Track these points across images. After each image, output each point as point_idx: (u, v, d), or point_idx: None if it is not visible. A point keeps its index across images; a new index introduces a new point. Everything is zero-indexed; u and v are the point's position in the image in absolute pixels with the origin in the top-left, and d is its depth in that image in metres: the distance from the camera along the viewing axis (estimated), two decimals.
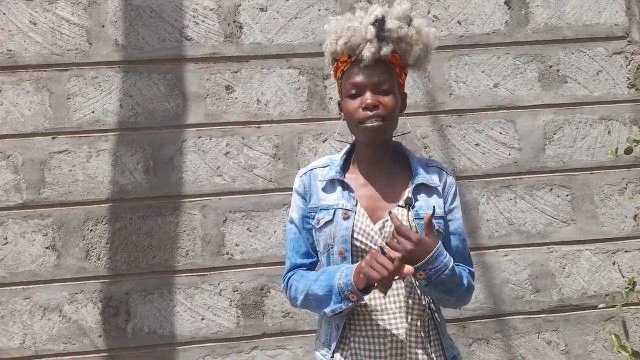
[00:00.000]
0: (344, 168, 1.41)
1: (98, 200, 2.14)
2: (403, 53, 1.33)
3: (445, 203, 1.40)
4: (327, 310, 1.29)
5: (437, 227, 1.33)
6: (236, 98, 2.22)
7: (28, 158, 2.13)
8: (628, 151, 2.09)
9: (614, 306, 2.12)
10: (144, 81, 2.19)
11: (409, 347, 1.26)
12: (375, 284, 1.19)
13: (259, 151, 2.21)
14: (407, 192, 1.35)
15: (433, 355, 1.29)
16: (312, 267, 1.40)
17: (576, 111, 2.31)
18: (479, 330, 2.21)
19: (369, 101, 1.29)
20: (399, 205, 1.32)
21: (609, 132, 2.31)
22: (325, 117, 2.23)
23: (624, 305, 2.13)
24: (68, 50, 2.17)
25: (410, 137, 2.22)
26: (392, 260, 1.16)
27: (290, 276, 1.40)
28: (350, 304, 1.27)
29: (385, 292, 1.20)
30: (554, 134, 2.30)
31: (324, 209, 1.35)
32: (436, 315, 1.34)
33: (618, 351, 2.11)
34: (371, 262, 1.18)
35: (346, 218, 1.32)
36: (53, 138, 2.15)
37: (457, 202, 1.42)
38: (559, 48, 2.32)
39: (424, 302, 1.30)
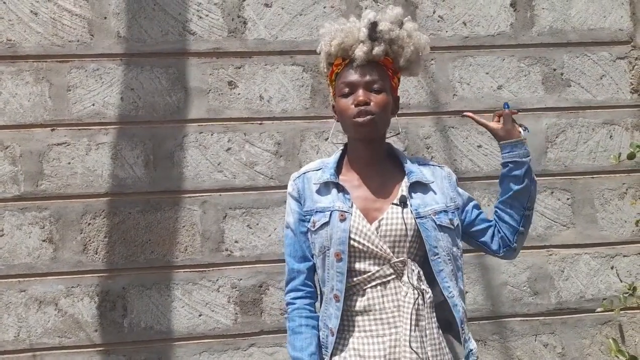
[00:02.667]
0: (337, 170, 1.42)
1: (97, 193, 2.12)
2: (395, 56, 1.39)
3: (455, 194, 1.44)
4: None
5: (439, 223, 1.35)
6: (239, 94, 2.20)
7: (26, 149, 2.10)
8: (631, 156, 2.09)
9: (611, 310, 2.13)
10: (146, 75, 2.17)
11: (406, 345, 1.26)
12: None
13: (260, 148, 2.20)
14: (401, 191, 1.36)
15: (429, 353, 1.28)
16: (310, 271, 1.40)
17: (579, 115, 2.31)
18: (477, 332, 2.21)
19: (360, 98, 1.33)
20: (393, 204, 1.33)
21: (611, 136, 2.31)
22: (328, 115, 2.21)
23: (621, 309, 2.14)
24: (69, 42, 2.14)
25: (412, 137, 2.22)
26: None
27: (293, 305, 1.38)
28: None
29: None
30: (556, 138, 2.30)
31: (320, 212, 1.36)
32: (453, 310, 1.34)
33: (616, 355, 2.12)
34: None
35: (343, 220, 1.33)
36: (52, 130, 2.12)
37: (460, 189, 1.48)
38: (564, 51, 2.32)
39: (422, 300, 1.30)
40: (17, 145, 2.10)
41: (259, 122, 2.20)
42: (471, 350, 1.37)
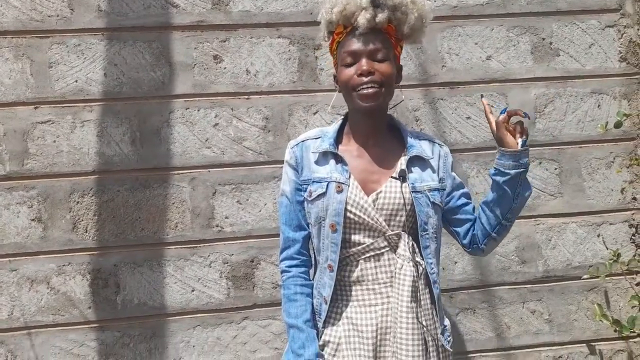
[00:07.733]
0: (337, 140, 1.40)
1: (84, 172, 2.10)
2: (398, 23, 1.34)
3: (446, 175, 1.43)
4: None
5: (432, 200, 1.35)
6: (225, 68, 2.17)
7: (10, 128, 2.07)
8: (618, 125, 2.10)
9: (597, 277, 2.17)
10: (129, 49, 2.12)
11: (400, 315, 1.28)
12: None
13: (248, 123, 2.18)
14: (401, 165, 1.35)
15: (424, 323, 1.31)
16: (305, 240, 1.40)
17: (567, 85, 2.30)
18: (466, 301, 2.25)
19: (364, 67, 1.30)
20: (392, 177, 1.33)
21: (599, 106, 2.31)
22: (316, 89, 2.19)
23: (606, 276, 2.18)
24: (48, 17, 2.09)
25: (401, 109, 2.20)
26: None
27: (288, 272, 1.39)
28: None
29: None
30: (545, 108, 2.29)
31: (317, 182, 1.35)
32: (432, 286, 1.36)
33: (600, 320, 2.18)
34: None
35: (340, 191, 1.32)
36: (35, 108, 2.08)
37: (454, 173, 1.46)
38: (553, 20, 2.29)
39: (417, 272, 1.32)
40: (1, 124, 2.07)
41: (246, 96, 2.17)
42: (445, 326, 1.40)
